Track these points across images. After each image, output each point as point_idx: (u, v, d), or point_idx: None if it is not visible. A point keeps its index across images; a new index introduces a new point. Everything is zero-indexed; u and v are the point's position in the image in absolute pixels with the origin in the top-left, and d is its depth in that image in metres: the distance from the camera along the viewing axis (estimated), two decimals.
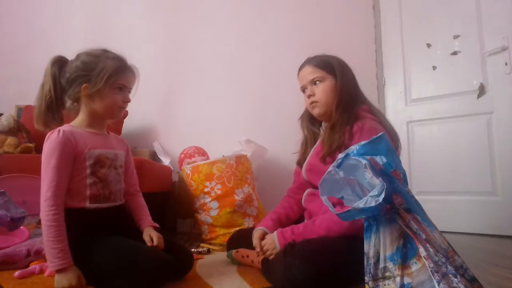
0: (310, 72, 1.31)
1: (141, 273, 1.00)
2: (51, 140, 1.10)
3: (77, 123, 1.20)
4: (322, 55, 1.34)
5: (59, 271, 1.01)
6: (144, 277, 1.01)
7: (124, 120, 2.20)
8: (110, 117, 1.24)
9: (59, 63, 1.18)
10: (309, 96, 1.32)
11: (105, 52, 1.19)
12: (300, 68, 1.36)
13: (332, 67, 1.29)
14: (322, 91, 1.28)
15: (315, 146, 1.34)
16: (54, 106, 1.16)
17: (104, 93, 1.16)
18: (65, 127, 1.15)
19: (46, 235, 1.03)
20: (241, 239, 1.47)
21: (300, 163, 1.40)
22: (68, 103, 1.20)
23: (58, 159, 1.08)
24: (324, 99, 1.28)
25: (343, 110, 1.24)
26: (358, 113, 1.24)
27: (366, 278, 0.82)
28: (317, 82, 1.29)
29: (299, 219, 1.38)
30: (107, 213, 1.17)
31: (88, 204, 1.13)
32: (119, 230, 1.16)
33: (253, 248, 1.36)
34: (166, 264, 1.06)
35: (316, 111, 1.31)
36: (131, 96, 1.25)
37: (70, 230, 1.06)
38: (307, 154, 1.36)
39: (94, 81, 1.14)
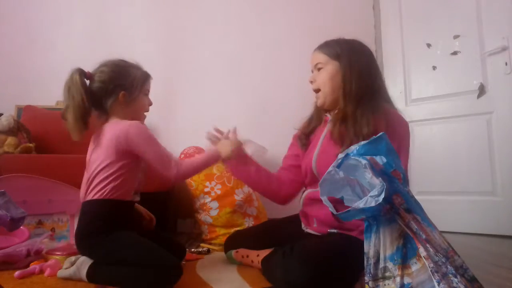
0: (315, 58, 1.27)
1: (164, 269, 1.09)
2: (139, 125, 1.21)
3: None
4: (336, 40, 1.26)
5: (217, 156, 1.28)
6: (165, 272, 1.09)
7: None
8: (138, 120, 1.32)
9: (83, 74, 1.23)
10: (310, 82, 1.27)
11: (127, 62, 1.30)
12: (313, 51, 1.30)
13: (337, 52, 1.21)
14: (322, 78, 1.22)
15: (320, 142, 1.28)
16: (87, 116, 1.21)
17: (138, 99, 1.28)
18: None
19: (195, 169, 1.27)
20: (240, 240, 1.46)
21: (301, 139, 1.36)
22: (95, 110, 1.27)
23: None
24: (322, 87, 1.23)
25: (356, 103, 1.15)
26: (383, 106, 1.16)
27: (366, 278, 0.82)
28: (320, 69, 1.24)
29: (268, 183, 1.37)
30: (133, 207, 1.30)
31: (131, 195, 1.24)
32: (134, 224, 1.29)
33: (252, 248, 1.37)
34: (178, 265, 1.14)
35: (318, 102, 1.26)
36: None
37: (112, 220, 1.16)
38: (309, 129, 1.33)
39: (130, 89, 1.25)
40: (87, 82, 1.24)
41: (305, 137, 1.34)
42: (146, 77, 1.31)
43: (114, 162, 1.18)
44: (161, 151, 1.22)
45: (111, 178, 1.17)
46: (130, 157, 1.20)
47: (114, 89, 1.23)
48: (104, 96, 1.24)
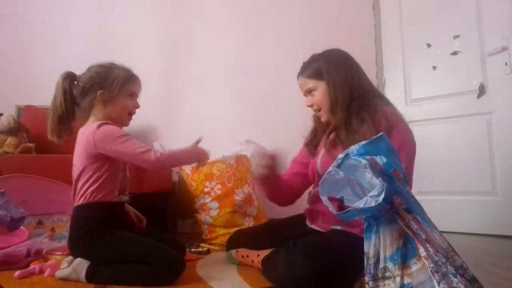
0: (303, 84, 1.33)
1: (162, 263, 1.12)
2: (106, 127, 1.20)
3: None
4: (312, 59, 1.32)
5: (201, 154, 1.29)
6: (163, 267, 1.12)
7: None
8: (121, 122, 1.30)
9: (70, 77, 1.26)
10: (309, 106, 1.33)
11: (114, 64, 1.29)
12: (297, 77, 1.36)
13: (319, 71, 1.27)
14: (318, 99, 1.28)
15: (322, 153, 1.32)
16: (65, 118, 1.24)
17: (117, 99, 1.26)
18: None
19: (173, 162, 1.32)
20: (241, 239, 1.47)
21: (309, 148, 1.40)
22: (79, 111, 1.28)
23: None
24: (322, 106, 1.28)
25: (345, 111, 1.21)
26: (376, 102, 1.21)
27: (366, 278, 0.82)
28: (312, 92, 1.30)
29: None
30: (122, 207, 1.32)
31: (116, 195, 1.24)
32: (126, 224, 1.30)
33: (254, 248, 1.37)
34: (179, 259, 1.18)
35: (323, 119, 1.32)
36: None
37: (100, 222, 1.18)
38: (316, 140, 1.37)
39: (109, 88, 1.24)
40: (75, 83, 1.26)
41: (313, 147, 1.39)
42: (129, 78, 1.29)
43: (89, 166, 1.19)
44: (132, 147, 1.18)
45: (90, 182, 1.19)
46: (103, 159, 1.20)
47: (92, 87, 1.23)
48: (82, 95, 1.24)
